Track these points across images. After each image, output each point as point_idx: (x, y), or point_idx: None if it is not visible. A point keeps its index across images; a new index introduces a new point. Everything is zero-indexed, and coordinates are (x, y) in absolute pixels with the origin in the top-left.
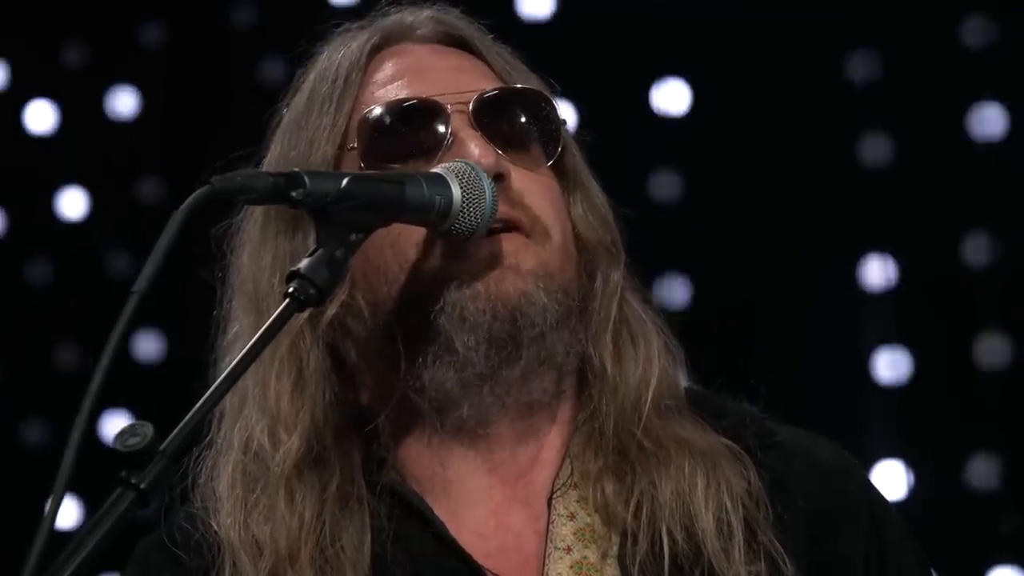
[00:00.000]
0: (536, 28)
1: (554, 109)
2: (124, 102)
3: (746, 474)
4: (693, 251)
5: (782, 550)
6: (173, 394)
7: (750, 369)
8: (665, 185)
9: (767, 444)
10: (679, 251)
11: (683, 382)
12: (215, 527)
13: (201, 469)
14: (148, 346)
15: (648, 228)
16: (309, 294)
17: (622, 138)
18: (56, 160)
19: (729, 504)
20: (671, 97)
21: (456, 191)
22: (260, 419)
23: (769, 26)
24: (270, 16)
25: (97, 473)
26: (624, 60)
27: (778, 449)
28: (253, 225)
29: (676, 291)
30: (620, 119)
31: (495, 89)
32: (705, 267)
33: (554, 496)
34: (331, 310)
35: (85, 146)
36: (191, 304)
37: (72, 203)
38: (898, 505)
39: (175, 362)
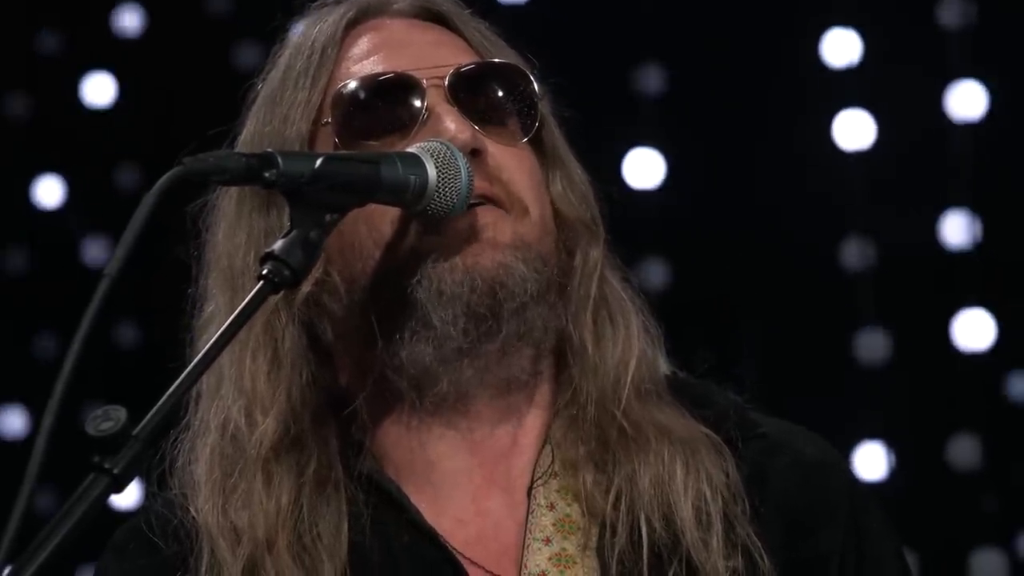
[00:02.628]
0: (512, 9)
1: (531, 84)
2: (100, 89)
3: (724, 466)
4: (671, 233)
5: (759, 544)
6: (149, 381)
7: (730, 352)
8: (643, 166)
9: (749, 436)
10: (657, 233)
11: (663, 365)
12: (193, 513)
13: (179, 452)
14: (125, 333)
15: (626, 210)
16: (283, 276)
17: (599, 120)
18: (32, 148)
19: (708, 493)
20: (650, 78)
21: (431, 171)
22: (236, 400)
23: (747, 6)
24: (246, 3)
25: (73, 460)
26: (600, 42)
27: (761, 441)
28: (228, 202)
29: (655, 274)
30: (597, 101)
31: (472, 63)
32: (684, 249)
33: (534, 485)
34: (306, 287)
35: (61, 134)
36: (166, 289)
37: (49, 191)
38: (879, 486)
39: (151, 349)
